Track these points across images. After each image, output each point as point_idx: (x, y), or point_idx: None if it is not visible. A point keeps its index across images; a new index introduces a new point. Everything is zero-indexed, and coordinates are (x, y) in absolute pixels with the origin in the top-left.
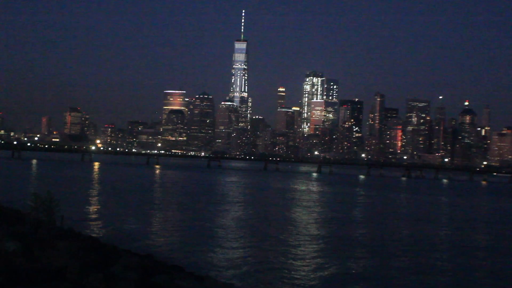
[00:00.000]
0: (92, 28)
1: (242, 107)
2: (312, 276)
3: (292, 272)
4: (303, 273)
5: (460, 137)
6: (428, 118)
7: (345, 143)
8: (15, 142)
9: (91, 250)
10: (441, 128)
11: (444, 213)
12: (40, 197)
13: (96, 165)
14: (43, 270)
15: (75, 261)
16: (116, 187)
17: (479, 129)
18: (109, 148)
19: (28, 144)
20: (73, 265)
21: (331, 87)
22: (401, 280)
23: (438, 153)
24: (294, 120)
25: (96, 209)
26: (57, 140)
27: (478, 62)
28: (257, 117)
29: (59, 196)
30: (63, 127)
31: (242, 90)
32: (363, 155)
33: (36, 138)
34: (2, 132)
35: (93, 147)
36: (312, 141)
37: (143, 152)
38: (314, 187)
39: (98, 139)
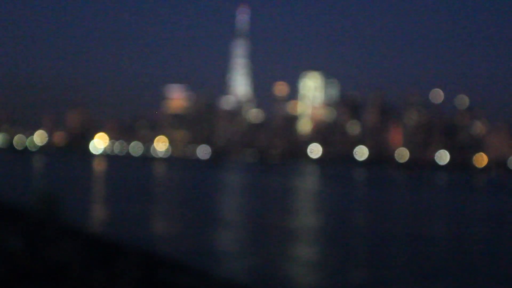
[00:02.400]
0: (92, 25)
1: (242, 104)
2: (331, 277)
3: (304, 273)
4: (317, 274)
5: (459, 133)
6: (426, 114)
7: (345, 140)
8: (16, 141)
9: (95, 247)
10: (440, 124)
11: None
12: (44, 194)
13: (99, 162)
14: (46, 267)
15: (78, 258)
16: (119, 184)
17: (477, 124)
18: (112, 146)
19: (33, 150)
20: (77, 262)
21: (331, 83)
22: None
23: (437, 149)
24: (294, 117)
25: (99, 206)
26: (60, 139)
27: (477, 58)
28: (257, 114)
29: (63, 193)
30: (65, 124)
31: (242, 86)
32: (362, 152)
33: (38, 139)
34: (7, 126)
35: (95, 145)
36: (312, 138)
37: (145, 149)
38: (317, 185)
39: (101, 136)
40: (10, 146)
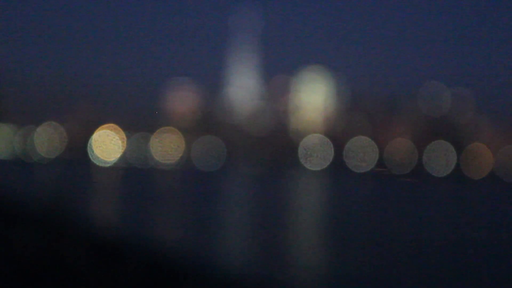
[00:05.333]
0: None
1: (242, 105)
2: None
3: (311, 274)
4: (328, 278)
5: (461, 136)
6: (428, 115)
7: (345, 140)
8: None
9: (99, 247)
10: (443, 126)
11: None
12: (49, 196)
13: (101, 165)
14: (52, 267)
15: (82, 258)
16: (122, 186)
17: (481, 126)
18: (113, 148)
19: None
20: (81, 262)
21: (331, 82)
22: None
23: (439, 151)
24: (293, 117)
25: (103, 207)
26: (62, 141)
27: (479, 58)
28: (256, 114)
29: (67, 195)
30: (66, 126)
31: (245, 82)
32: (363, 153)
33: (53, 130)
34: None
35: (97, 147)
36: (312, 138)
37: (148, 152)
38: (320, 189)
39: (102, 138)
40: (14, 156)
